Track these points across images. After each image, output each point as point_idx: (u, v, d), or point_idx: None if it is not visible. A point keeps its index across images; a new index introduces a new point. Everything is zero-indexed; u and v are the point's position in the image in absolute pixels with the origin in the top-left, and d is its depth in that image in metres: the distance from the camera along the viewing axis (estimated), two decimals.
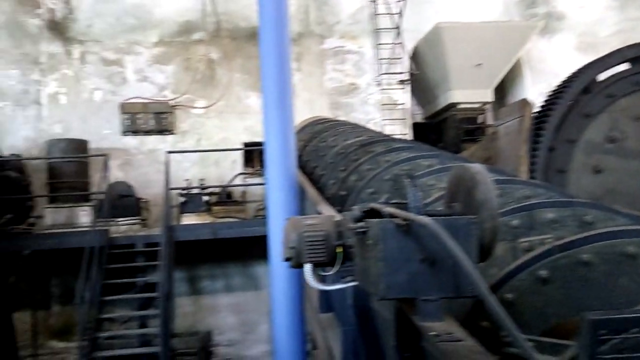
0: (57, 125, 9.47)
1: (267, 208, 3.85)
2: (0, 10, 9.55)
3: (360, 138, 5.15)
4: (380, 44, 10.01)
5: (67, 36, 9.68)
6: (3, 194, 7.63)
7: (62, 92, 9.59)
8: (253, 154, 9.51)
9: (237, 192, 9.26)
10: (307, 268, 2.37)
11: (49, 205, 8.43)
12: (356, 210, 1.95)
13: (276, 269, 3.58)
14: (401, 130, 9.82)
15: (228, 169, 9.53)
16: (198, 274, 9.03)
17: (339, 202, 4.03)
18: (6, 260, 7.85)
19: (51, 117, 9.49)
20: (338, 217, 2.49)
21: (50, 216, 8.30)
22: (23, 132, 9.39)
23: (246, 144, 9.56)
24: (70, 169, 8.71)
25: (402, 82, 10.05)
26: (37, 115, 9.48)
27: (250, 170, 9.61)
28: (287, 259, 2.54)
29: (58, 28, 9.68)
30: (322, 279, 2.61)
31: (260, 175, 9.20)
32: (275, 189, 3.67)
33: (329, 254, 2.27)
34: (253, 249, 8.57)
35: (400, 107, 10.07)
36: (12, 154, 8.66)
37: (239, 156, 9.61)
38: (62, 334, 8.80)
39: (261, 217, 8.30)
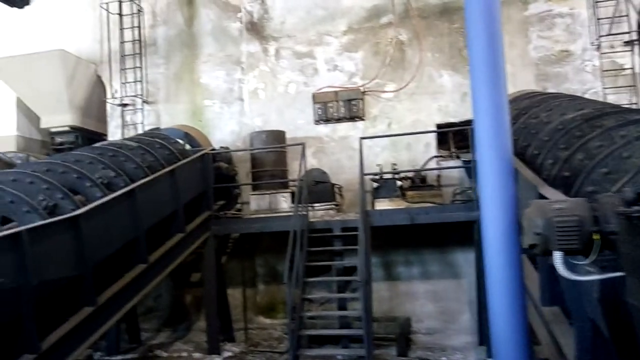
0: (257, 118, 10.29)
1: (479, 192, 3.61)
2: (208, 19, 10.73)
3: (584, 111, 4.62)
4: (599, 1, 8.84)
5: (264, 35, 10.42)
6: (216, 183, 8.46)
7: (260, 87, 10.36)
8: (447, 136, 9.15)
9: (431, 176, 8.95)
10: (558, 256, 2.22)
11: (253, 192, 9.11)
12: (628, 192, 1.66)
13: (492, 256, 3.34)
14: (629, 100, 8.54)
15: (421, 152, 9.31)
16: (393, 259, 9.01)
17: (561, 185, 3.65)
18: (220, 242, 8.78)
19: (252, 111, 10.34)
20: (592, 200, 2.22)
21: (255, 202, 8.94)
22: (229, 127, 10.42)
23: (439, 125, 9.25)
24: (270, 158, 9.32)
25: (629, 43, 8.74)
26: (240, 110, 10.43)
27: (444, 152, 9.26)
28: (531, 246, 2.33)
29: (255, 28, 10.47)
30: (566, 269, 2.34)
31: (456, 157, 8.93)
32: (488, 172, 3.41)
33: (583, 241, 2.10)
34: (451, 235, 8.42)
35: (627, 72, 8.78)
36: (222, 147, 9.66)
37: (432, 139, 9.30)
38: (268, 311, 9.56)
39: (459, 202, 8.07)
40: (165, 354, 8.31)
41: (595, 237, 2.04)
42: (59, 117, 10.54)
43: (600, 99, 8.11)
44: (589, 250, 2.12)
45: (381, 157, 9.37)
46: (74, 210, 4.99)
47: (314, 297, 7.78)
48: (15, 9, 11.59)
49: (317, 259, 7.60)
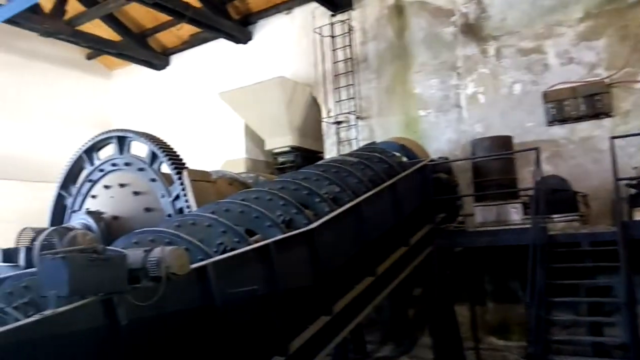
0: (477, 124, 9.85)
1: None
2: (419, 28, 10.72)
3: None
4: None
5: (481, 35, 9.98)
6: (436, 195, 8.29)
7: (480, 91, 9.94)
8: None
9: None
10: None
11: (477, 204, 8.70)
12: None
13: None
14: None
15: None
16: None
17: None
18: (442, 255, 8.58)
19: (471, 117, 9.95)
20: None
21: (480, 214, 8.53)
22: (446, 136, 10.17)
23: None
24: (495, 166, 8.79)
25: None
26: (458, 117, 10.12)
27: None
28: None
29: (472, 30, 10.09)
30: None
31: None
32: None
33: None
34: None
35: None
36: (440, 157, 9.45)
37: None
38: (500, 331, 8.96)
39: None
40: None
41: None
42: (280, 139, 11.62)
43: None
44: None
45: (637, 158, 8.13)
46: (307, 224, 5.29)
47: (562, 319, 7.03)
48: (240, 45, 13.23)
49: (560, 277, 6.92)
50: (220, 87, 12.20)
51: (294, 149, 11.58)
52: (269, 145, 11.89)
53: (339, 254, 5.74)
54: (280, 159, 11.69)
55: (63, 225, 6.20)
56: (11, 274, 3.35)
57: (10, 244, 6.59)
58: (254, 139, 12.44)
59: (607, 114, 8.66)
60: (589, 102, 8.72)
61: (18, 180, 12.80)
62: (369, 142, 10.19)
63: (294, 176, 6.58)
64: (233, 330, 3.96)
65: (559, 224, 7.80)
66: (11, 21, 10.51)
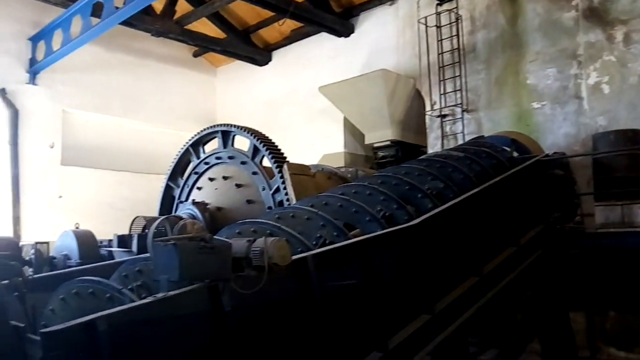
0: (600, 117, 9.15)
1: None
2: (534, 14, 10.13)
3: None
4: None
5: (607, 20, 9.26)
6: (550, 193, 7.86)
7: (604, 81, 9.23)
8: None
9: None
10: None
11: (599, 203, 8.17)
12: None
13: None
14: None
15: None
16: None
17: None
18: (555, 258, 8.12)
19: (593, 109, 9.27)
20: None
21: (602, 214, 8.02)
22: (563, 129, 9.55)
23: None
24: (621, 162, 8.21)
25: None
26: (577, 109, 9.46)
27: None
28: None
29: (596, 14, 9.38)
30: None
31: None
32: None
33: None
34: None
35: None
36: (556, 152, 8.93)
37: None
38: (621, 341, 8.35)
39: None
40: None
41: None
42: (381, 133, 11.55)
43: None
44: None
45: None
46: (407, 220, 5.27)
47: None
48: (341, 39, 13.35)
49: None
50: (320, 81, 12.35)
51: (395, 143, 11.47)
52: (368, 140, 11.89)
53: (442, 251, 5.61)
54: (380, 154, 11.64)
55: (173, 215, 6.70)
56: (126, 258, 3.66)
57: (121, 229, 7.24)
58: (354, 132, 12.50)
59: None
60: None
61: (129, 172, 13.85)
62: (476, 136, 9.85)
63: (395, 171, 6.55)
64: (331, 323, 4.02)
65: None
66: (127, 23, 11.40)
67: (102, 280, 3.00)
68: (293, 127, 13.59)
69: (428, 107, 11.38)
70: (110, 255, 6.78)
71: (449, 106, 10.97)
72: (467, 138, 10.19)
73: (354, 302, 4.37)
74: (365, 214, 5.07)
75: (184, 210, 6.84)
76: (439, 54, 11.12)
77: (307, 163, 7.63)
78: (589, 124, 9.27)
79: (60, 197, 12.65)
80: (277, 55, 15.11)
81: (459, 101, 10.82)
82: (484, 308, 7.62)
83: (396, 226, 5.09)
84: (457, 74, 10.88)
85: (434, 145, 11.12)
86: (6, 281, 3.56)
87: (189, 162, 7.83)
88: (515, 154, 8.25)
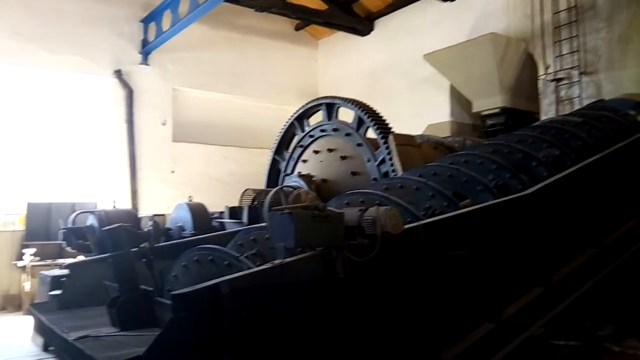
0: None
1: None
2: None
3: None
4: None
5: None
6: None
7: None
8: None
9: None
10: None
11: None
12: None
13: None
14: None
15: None
16: None
17: None
18: None
19: None
20: None
21: None
22: None
23: None
24: None
25: None
26: None
27: None
28: None
29: None
30: None
31: None
32: None
33: None
34: None
35: None
36: None
37: None
38: None
39: None
40: (616, 349, 7.48)
41: None
42: (489, 100, 10.83)
43: None
44: None
45: None
46: (522, 189, 4.93)
47: None
48: (446, 4, 12.44)
49: None
50: (424, 49, 11.73)
51: (505, 111, 10.72)
52: (476, 107, 11.22)
53: (558, 222, 5.22)
54: (489, 122, 10.94)
55: (285, 185, 6.76)
56: (240, 228, 3.72)
57: (230, 202, 7.33)
58: (460, 101, 11.82)
59: None
60: None
61: (235, 147, 13.92)
62: (595, 100, 8.94)
63: (507, 139, 6.16)
64: (443, 293, 3.88)
65: None
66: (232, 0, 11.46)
67: (221, 248, 3.08)
68: (397, 97, 13.05)
69: (541, 71, 10.46)
70: (222, 227, 6.90)
71: (564, 69, 9.99)
72: (585, 103, 9.24)
73: (466, 273, 4.18)
74: (476, 183, 4.80)
75: (291, 182, 6.86)
76: (553, 14, 10.11)
77: (412, 134, 7.36)
78: None
79: (173, 172, 12.91)
80: (379, 24, 14.48)
81: (575, 63, 9.81)
82: (603, 281, 7.10)
83: (509, 196, 4.77)
84: (574, 34, 9.83)
85: (547, 112, 10.24)
86: (135, 249, 3.78)
87: (294, 135, 7.77)
88: None
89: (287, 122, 7.76)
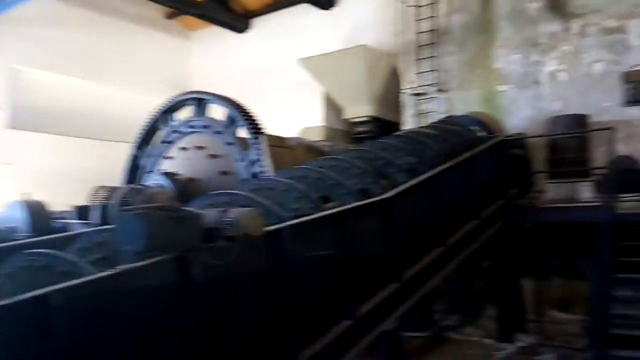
0: (556, 102, 8.83)
1: None
2: (504, 2, 9.57)
3: None
4: None
5: (566, 12, 8.89)
6: (510, 170, 7.68)
7: (560, 69, 8.90)
8: None
9: None
10: None
11: (550, 181, 8.03)
12: None
13: None
14: None
15: None
16: None
17: None
18: (512, 230, 7.98)
19: (550, 94, 8.95)
20: None
21: (552, 191, 7.94)
22: (524, 112, 9.18)
23: None
24: (570, 144, 8.03)
25: None
26: (537, 94, 9.10)
27: None
28: None
29: (557, 6, 8.99)
30: None
31: None
32: None
33: None
34: None
35: None
36: (517, 133, 8.62)
37: None
38: (563, 305, 8.31)
39: None
40: (456, 336, 7.98)
41: None
42: (359, 108, 10.98)
43: None
44: None
45: None
46: (382, 193, 4.93)
47: (625, 296, 6.38)
48: (322, 11, 12.31)
49: (626, 255, 6.24)
50: (300, 53, 11.50)
51: (373, 119, 10.94)
52: (347, 114, 11.32)
53: (412, 224, 5.41)
54: (359, 129, 11.10)
55: (140, 184, 5.94)
56: (85, 230, 3.14)
57: (80, 201, 6.04)
58: (333, 107, 11.85)
59: None
60: None
61: (90, 139, 11.70)
62: (448, 115, 9.46)
63: (371, 146, 6.18)
64: (303, 292, 3.70)
65: (628, 203, 7.15)
66: None
67: (57, 253, 2.50)
68: (272, 98, 12.35)
69: (405, 86, 10.84)
70: (66, 228, 5.69)
71: (424, 85, 10.42)
72: (441, 117, 9.73)
73: (327, 273, 4.04)
74: (341, 187, 4.67)
75: (152, 180, 5.97)
76: (417, 34, 10.49)
77: (285, 136, 7.10)
78: (546, 108, 8.96)
79: (8, 164, 10.35)
80: (257, 23, 13.68)
81: (434, 81, 10.31)
82: (448, 277, 7.52)
83: (370, 199, 4.73)
84: (434, 54, 10.33)
85: (409, 123, 10.63)
86: None
87: (158, 130, 6.73)
88: (482, 134, 7.92)
89: (152, 115, 6.73)
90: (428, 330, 8.23)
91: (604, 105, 8.37)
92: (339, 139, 10.84)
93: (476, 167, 6.71)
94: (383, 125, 10.88)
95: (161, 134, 6.68)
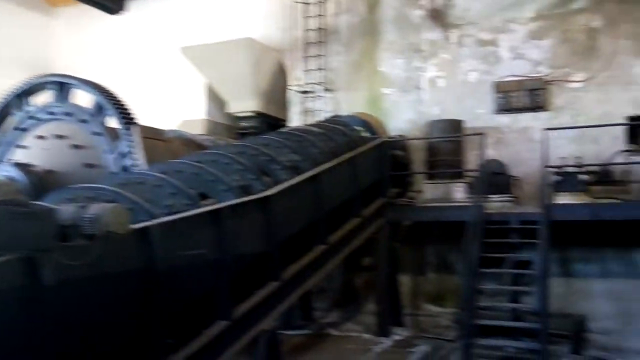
0: (435, 107, 9.55)
1: None
2: (390, 7, 10.11)
3: None
4: None
5: (446, 22, 9.64)
6: (391, 171, 8.14)
7: (440, 75, 9.64)
8: (638, 130, 8.06)
9: (618, 171, 7.95)
10: None
11: (428, 181, 8.65)
12: None
13: None
14: None
15: (608, 146, 8.21)
16: (570, 255, 8.19)
17: None
18: (392, 228, 8.47)
19: (430, 100, 9.65)
20: None
21: (429, 191, 8.52)
22: (406, 115, 9.78)
23: (631, 118, 8.11)
24: (447, 147, 8.75)
25: None
26: (418, 99, 9.75)
27: (634, 147, 8.13)
28: None
29: (438, 15, 9.71)
30: None
31: None
32: None
33: None
34: (637, 233, 7.43)
35: None
36: (399, 135, 9.15)
37: (621, 132, 8.15)
38: (437, 299, 9.03)
39: None
40: (336, 333, 8.27)
41: None
42: (244, 103, 10.82)
43: None
44: None
45: (564, 149, 8.30)
46: (263, 190, 4.95)
47: (488, 288, 7.16)
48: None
49: (492, 251, 7.03)
50: (182, 41, 11.01)
51: (258, 115, 10.87)
52: (231, 109, 11.12)
53: (294, 222, 5.52)
54: (243, 124, 10.96)
55: None
56: None
57: None
58: (216, 100, 11.49)
59: (544, 108, 8.85)
60: (530, 96, 8.87)
61: None
62: (334, 114, 9.73)
63: (254, 142, 6.18)
64: (176, 294, 3.59)
65: (495, 203, 7.96)
66: None
67: None
68: (149, 87, 11.49)
69: (292, 82, 10.95)
70: None
71: (311, 83, 10.61)
72: (326, 115, 9.97)
73: (202, 273, 3.96)
74: (220, 183, 4.60)
75: (1, 172, 5.39)
76: (304, 31, 10.66)
77: (164, 128, 6.79)
78: (426, 112, 9.63)
79: None
80: (134, 5, 12.64)
81: (320, 80, 10.54)
82: (329, 274, 7.76)
83: (254, 196, 4.72)
84: (321, 53, 10.56)
85: (294, 120, 10.75)
86: None
87: (10, 115, 6.03)
88: (366, 134, 8.29)
89: (3, 98, 6.00)
90: (309, 327, 8.43)
91: (477, 112, 9.23)
92: (222, 134, 10.63)
93: (359, 166, 7.01)
94: (268, 122, 10.89)
95: (14, 120, 5.96)
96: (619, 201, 7.31)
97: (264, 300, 4.72)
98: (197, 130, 9.52)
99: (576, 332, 7.19)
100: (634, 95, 8.34)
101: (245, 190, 4.79)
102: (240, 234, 4.38)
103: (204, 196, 4.42)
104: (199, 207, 3.99)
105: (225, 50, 10.36)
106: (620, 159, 7.99)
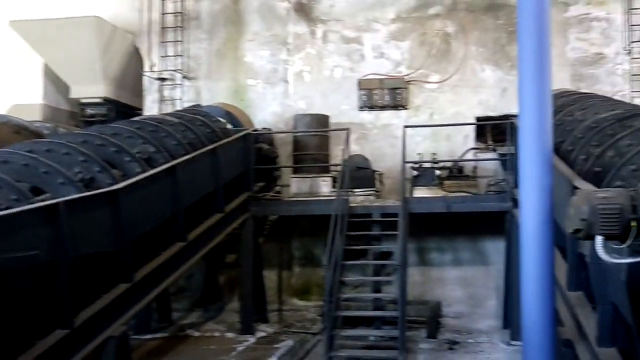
0: (301, 101, 9.85)
1: (519, 183, 3.60)
2: None
3: (615, 112, 4.89)
4: (632, 9, 8.98)
5: (312, 17, 9.96)
6: (257, 164, 8.23)
7: (306, 70, 9.93)
8: (485, 129, 9.24)
9: (468, 167, 8.96)
10: (599, 240, 2.54)
11: (294, 175, 8.86)
12: None
13: (528, 245, 3.41)
14: None
15: (460, 143, 9.24)
16: (427, 246, 9.03)
17: (591, 179, 4.01)
18: (258, 223, 8.54)
19: (296, 93, 9.90)
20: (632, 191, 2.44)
21: (296, 185, 8.73)
22: (272, 108, 9.94)
23: (479, 119, 9.21)
24: (313, 142, 9.05)
25: None
26: (284, 92, 9.96)
27: (482, 145, 9.30)
28: (576, 231, 2.61)
29: (304, 9, 10.00)
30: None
31: (493, 150, 9.08)
32: (530, 164, 3.42)
33: (623, 227, 2.42)
34: (483, 224, 8.42)
35: None
36: (264, 128, 9.27)
37: (471, 131, 9.22)
38: (302, 293, 9.35)
39: (493, 192, 8.18)
40: (197, 334, 8.09)
41: (633, 224, 2.41)
42: (90, 88, 10.07)
43: (628, 102, 7.80)
44: (626, 236, 2.46)
45: (421, 146, 9.19)
46: (111, 184, 4.68)
47: (351, 280, 7.62)
48: None
49: (355, 243, 7.47)
50: (13, 15, 9.97)
51: (107, 101, 10.18)
52: (75, 94, 10.24)
53: (149, 218, 5.32)
54: (89, 111, 10.16)
55: None
56: None
57: None
58: (57, 83, 10.52)
59: (404, 107, 9.55)
60: (391, 94, 9.50)
61: None
62: (194, 104, 9.48)
63: (101, 130, 5.82)
64: (4, 302, 3.22)
65: (359, 197, 8.44)
66: None
67: None
68: None
69: (147, 68, 10.43)
70: None
71: (168, 70, 10.24)
72: (186, 105, 9.74)
73: (36, 277, 3.64)
74: (57, 175, 4.26)
75: None
76: (161, 14, 10.24)
77: None
78: (292, 105, 9.88)
79: None
80: None
81: (179, 67, 10.22)
82: (189, 273, 7.56)
83: (96, 190, 4.42)
84: (180, 39, 10.22)
85: (150, 109, 10.27)
86: None
87: None
88: (229, 126, 8.24)
89: None
90: (166, 330, 8.18)
91: (342, 107, 9.69)
92: (63, 121, 9.82)
93: (221, 159, 6.91)
94: (120, 109, 10.28)
95: None
96: (468, 194, 8.17)
97: (111, 304, 4.49)
98: (32, 116, 8.65)
99: (432, 317, 7.86)
100: (482, 97, 9.36)
101: (89, 184, 4.49)
102: (84, 232, 4.12)
103: (38, 191, 4.05)
104: (30, 203, 3.64)
105: (67, 28, 9.54)
106: (470, 156, 9.06)
